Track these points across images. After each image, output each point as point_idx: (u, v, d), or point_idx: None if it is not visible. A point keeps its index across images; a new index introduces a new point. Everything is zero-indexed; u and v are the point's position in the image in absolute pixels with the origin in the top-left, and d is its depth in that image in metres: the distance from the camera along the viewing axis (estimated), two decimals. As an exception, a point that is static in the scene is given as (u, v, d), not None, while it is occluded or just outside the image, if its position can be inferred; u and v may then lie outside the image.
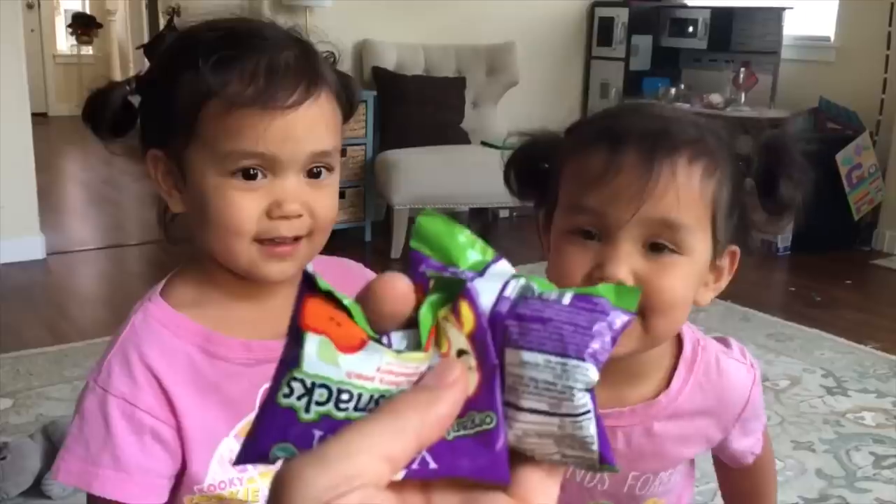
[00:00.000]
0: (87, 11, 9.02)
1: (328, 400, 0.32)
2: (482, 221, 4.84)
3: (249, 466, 0.85)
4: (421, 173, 3.91)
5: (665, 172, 0.78)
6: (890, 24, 4.30)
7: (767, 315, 3.29)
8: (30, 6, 8.33)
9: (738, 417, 0.95)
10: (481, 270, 0.36)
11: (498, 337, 0.34)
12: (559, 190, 0.85)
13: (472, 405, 0.33)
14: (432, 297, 0.34)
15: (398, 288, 0.34)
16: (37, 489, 1.98)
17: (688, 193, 0.79)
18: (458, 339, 0.34)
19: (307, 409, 0.32)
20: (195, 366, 0.85)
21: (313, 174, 0.85)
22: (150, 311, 0.87)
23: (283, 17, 4.30)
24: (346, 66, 4.55)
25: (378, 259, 3.87)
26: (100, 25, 8.59)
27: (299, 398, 0.32)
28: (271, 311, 0.88)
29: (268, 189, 0.82)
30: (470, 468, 0.33)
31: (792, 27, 4.68)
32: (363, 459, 0.30)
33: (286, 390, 0.32)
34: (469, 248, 0.37)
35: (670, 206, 0.78)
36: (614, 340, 0.34)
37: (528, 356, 0.34)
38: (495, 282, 0.35)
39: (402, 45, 4.46)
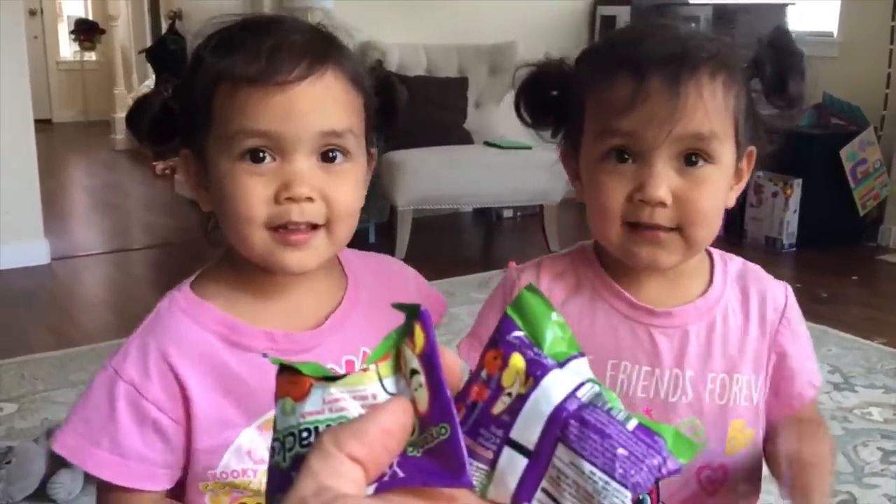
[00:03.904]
0: (90, 17, 9.05)
1: (295, 444, 0.37)
2: (486, 221, 4.84)
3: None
4: (424, 174, 3.91)
5: (691, 92, 0.83)
6: (893, 19, 4.28)
7: (773, 312, 3.28)
8: (32, 13, 8.34)
9: (782, 315, 0.96)
10: (562, 362, 0.39)
11: (556, 430, 0.37)
12: (584, 120, 0.89)
13: (427, 421, 0.36)
14: (400, 327, 0.38)
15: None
16: (42, 493, 1.98)
17: (714, 106, 0.84)
18: (411, 359, 0.37)
19: (284, 459, 0.37)
20: (216, 356, 0.84)
21: (328, 158, 0.82)
22: (175, 299, 0.88)
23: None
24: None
25: (382, 260, 3.85)
26: (102, 31, 8.60)
27: (279, 454, 0.38)
28: (298, 307, 0.89)
29: (276, 172, 0.80)
30: (435, 477, 0.35)
31: (794, 23, 4.67)
32: (336, 461, 0.34)
33: (272, 453, 0.39)
34: (558, 336, 0.40)
35: (700, 121, 0.83)
36: (657, 480, 0.36)
37: (578, 461, 0.36)
38: (571, 378, 0.38)
39: (404, 46, 4.45)
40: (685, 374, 0.92)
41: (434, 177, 3.92)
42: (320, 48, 0.82)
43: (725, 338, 0.94)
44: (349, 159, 0.84)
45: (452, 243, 4.59)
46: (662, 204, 0.84)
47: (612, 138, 0.85)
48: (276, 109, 0.79)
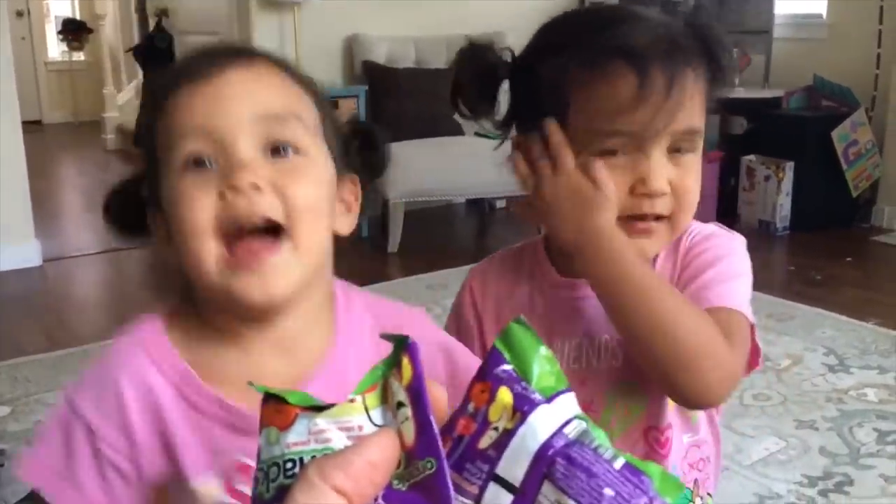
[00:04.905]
0: (77, 17, 9.00)
1: (279, 474, 0.36)
2: (479, 212, 4.83)
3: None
4: (416, 166, 3.89)
5: (687, 87, 0.83)
6: (881, -1, 4.27)
7: (767, 295, 3.26)
8: (19, 14, 8.30)
9: (688, 248, 0.93)
10: (550, 397, 0.38)
11: (542, 467, 0.36)
12: (568, 115, 0.87)
13: (413, 454, 0.35)
14: (388, 358, 0.37)
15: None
16: (35, 496, 1.97)
17: (699, 99, 0.86)
18: (398, 391, 0.36)
19: (268, 490, 0.37)
20: (165, 409, 0.76)
21: (277, 153, 0.73)
22: (142, 332, 0.79)
23: (271, 15, 4.28)
24: (336, 60, 4.55)
25: (377, 254, 3.86)
26: (90, 30, 8.56)
27: (262, 484, 0.37)
28: (256, 364, 0.77)
29: (221, 172, 0.72)
30: None
31: (783, 5, 4.65)
32: (321, 493, 0.33)
33: (255, 484, 0.38)
34: (546, 370, 0.39)
35: (691, 115, 0.85)
36: None
37: (564, 499, 0.36)
38: (559, 414, 0.38)
39: (392, 38, 4.44)
40: (614, 338, 0.91)
41: (425, 169, 3.91)
42: (252, 50, 0.79)
43: None
44: (302, 154, 0.74)
45: (445, 235, 4.58)
46: (663, 193, 0.86)
47: (614, 137, 0.84)
48: (203, 100, 0.73)
